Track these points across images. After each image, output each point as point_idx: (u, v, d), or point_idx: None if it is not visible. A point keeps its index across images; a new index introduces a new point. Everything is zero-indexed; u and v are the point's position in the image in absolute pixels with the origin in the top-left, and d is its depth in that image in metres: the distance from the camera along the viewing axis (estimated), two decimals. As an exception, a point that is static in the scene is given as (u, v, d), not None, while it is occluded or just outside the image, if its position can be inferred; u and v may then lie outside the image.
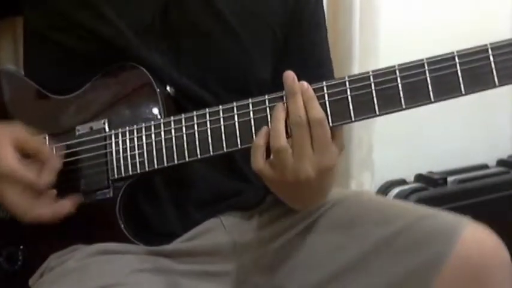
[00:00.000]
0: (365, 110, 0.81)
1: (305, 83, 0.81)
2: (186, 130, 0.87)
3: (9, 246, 0.94)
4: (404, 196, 1.73)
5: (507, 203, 1.80)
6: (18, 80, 1.00)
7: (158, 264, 0.91)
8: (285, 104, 0.82)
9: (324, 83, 0.82)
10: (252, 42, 0.97)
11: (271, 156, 0.82)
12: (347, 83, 0.82)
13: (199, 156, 0.86)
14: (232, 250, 0.97)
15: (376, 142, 1.60)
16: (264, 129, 0.82)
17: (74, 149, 0.91)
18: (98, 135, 0.91)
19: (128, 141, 0.89)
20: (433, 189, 1.77)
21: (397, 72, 0.80)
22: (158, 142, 0.88)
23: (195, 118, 0.86)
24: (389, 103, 0.81)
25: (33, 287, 0.91)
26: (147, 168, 0.88)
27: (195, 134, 0.86)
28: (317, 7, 1.04)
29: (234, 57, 0.97)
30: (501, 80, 0.78)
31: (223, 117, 0.85)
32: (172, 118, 0.88)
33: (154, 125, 0.88)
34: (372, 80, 0.81)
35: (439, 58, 0.80)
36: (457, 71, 0.79)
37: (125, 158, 0.89)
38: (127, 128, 0.89)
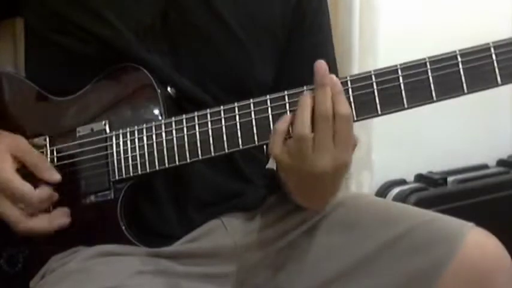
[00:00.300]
0: (367, 110, 0.81)
1: (334, 77, 0.80)
2: (187, 131, 0.86)
3: (10, 248, 0.93)
4: (404, 196, 1.72)
5: (507, 203, 1.80)
6: (19, 81, 0.99)
7: (159, 266, 0.91)
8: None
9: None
10: (252, 43, 0.97)
11: (291, 144, 0.80)
12: (348, 83, 0.81)
13: (200, 157, 0.86)
14: (233, 252, 0.97)
15: (376, 142, 1.60)
16: (288, 115, 0.81)
17: (75, 151, 0.91)
18: (99, 137, 0.90)
19: (128, 142, 0.89)
20: (433, 189, 1.76)
21: (399, 71, 0.80)
22: (159, 143, 0.87)
23: (196, 119, 0.86)
24: (392, 102, 0.80)
25: (34, 289, 0.91)
26: (148, 170, 0.88)
27: (196, 134, 0.86)
28: (320, 7, 1.04)
29: (233, 59, 0.97)
30: (503, 79, 0.78)
31: (225, 118, 0.85)
32: (173, 119, 0.87)
33: (155, 126, 0.88)
34: (373, 79, 0.81)
35: (441, 57, 0.80)
36: (459, 69, 0.79)
37: (126, 159, 0.89)
38: (128, 129, 0.89)
